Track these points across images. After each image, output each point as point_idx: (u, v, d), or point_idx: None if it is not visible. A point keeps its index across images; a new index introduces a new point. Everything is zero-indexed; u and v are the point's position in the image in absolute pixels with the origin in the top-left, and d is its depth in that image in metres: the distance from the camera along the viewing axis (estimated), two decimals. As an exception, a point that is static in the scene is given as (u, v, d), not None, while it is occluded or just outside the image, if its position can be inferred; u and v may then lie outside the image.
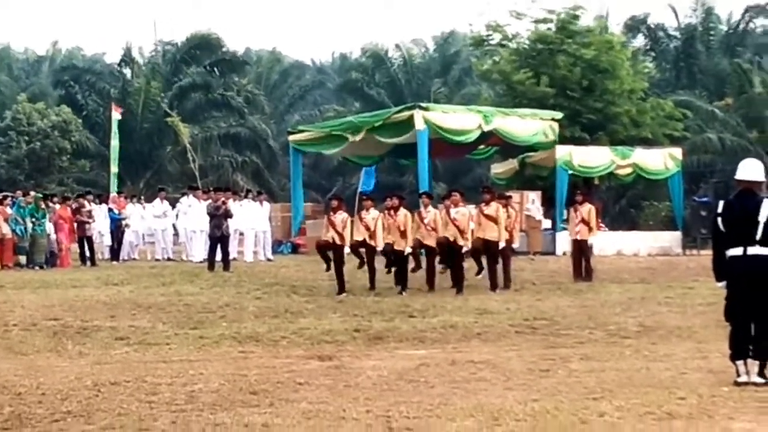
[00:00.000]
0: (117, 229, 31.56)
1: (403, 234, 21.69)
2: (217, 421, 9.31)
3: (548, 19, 42.81)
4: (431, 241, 21.91)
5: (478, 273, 22.32)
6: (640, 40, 60.20)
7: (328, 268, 21.83)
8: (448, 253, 21.98)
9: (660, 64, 58.32)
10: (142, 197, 35.58)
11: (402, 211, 21.96)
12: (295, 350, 13.98)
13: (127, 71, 59.86)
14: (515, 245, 24.20)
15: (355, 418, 9.35)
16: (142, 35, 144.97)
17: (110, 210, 31.72)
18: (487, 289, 21.94)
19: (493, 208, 22.32)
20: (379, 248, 21.89)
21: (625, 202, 48.41)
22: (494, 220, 22.12)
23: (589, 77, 41.16)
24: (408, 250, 21.80)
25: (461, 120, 33.09)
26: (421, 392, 10.56)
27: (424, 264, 22.66)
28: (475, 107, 36.40)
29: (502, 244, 22.19)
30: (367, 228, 21.81)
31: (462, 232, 21.59)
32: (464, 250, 21.84)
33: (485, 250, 22.16)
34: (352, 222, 22.86)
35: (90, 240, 30.26)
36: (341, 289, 21.33)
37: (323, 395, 10.44)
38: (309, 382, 11.17)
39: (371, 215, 22.12)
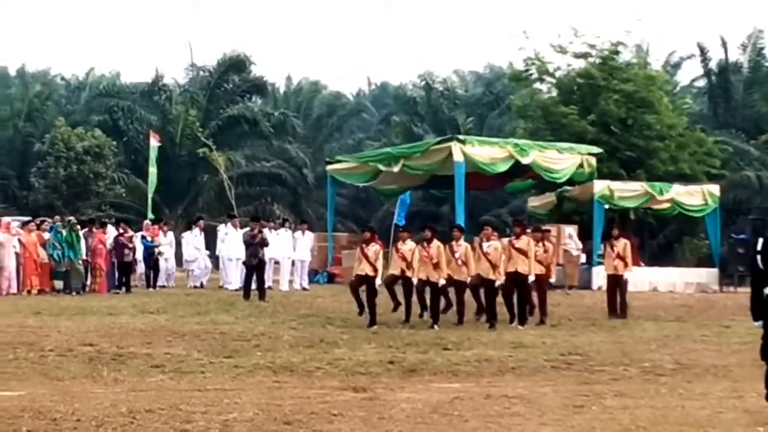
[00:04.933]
0: (150, 256, 31.67)
1: (436, 266, 21.58)
2: (251, 450, 9.35)
3: (589, 54, 42.75)
4: (461, 276, 21.84)
5: (477, 312, 22.66)
6: (688, 74, 59.98)
7: (361, 313, 21.56)
8: (476, 288, 21.98)
9: (711, 99, 58.05)
10: (176, 224, 35.61)
11: (435, 242, 21.80)
12: (330, 381, 13.97)
13: (164, 98, 60.06)
14: (552, 280, 24.11)
15: (388, 450, 9.37)
16: (179, 63, 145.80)
17: (143, 237, 31.85)
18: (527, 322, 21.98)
19: (524, 241, 22.21)
20: (415, 281, 21.78)
21: (663, 238, 48.09)
22: (525, 253, 22.02)
23: (629, 112, 40.96)
24: (442, 281, 21.68)
25: (497, 153, 33.07)
26: (455, 426, 10.55)
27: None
28: (512, 140, 36.42)
29: (531, 278, 22.10)
30: (404, 259, 21.75)
31: (494, 267, 21.52)
32: (497, 284, 21.78)
33: (513, 284, 22.06)
34: (385, 254, 22.76)
35: (128, 266, 30.48)
36: (373, 320, 21.20)
37: (357, 427, 10.45)
38: (343, 414, 11.18)
39: (408, 246, 22.01)
